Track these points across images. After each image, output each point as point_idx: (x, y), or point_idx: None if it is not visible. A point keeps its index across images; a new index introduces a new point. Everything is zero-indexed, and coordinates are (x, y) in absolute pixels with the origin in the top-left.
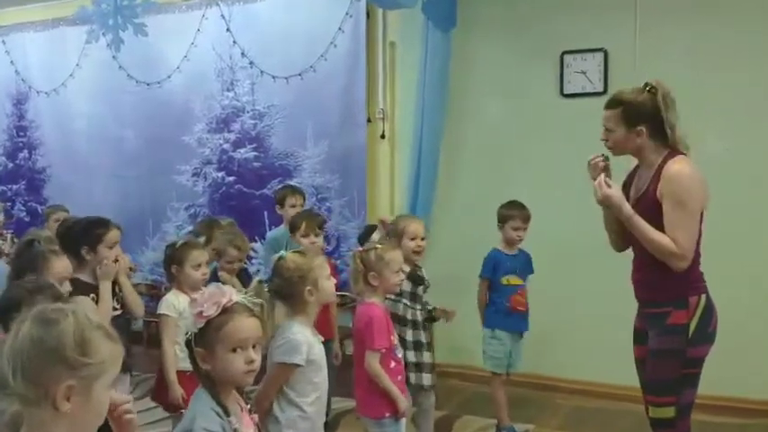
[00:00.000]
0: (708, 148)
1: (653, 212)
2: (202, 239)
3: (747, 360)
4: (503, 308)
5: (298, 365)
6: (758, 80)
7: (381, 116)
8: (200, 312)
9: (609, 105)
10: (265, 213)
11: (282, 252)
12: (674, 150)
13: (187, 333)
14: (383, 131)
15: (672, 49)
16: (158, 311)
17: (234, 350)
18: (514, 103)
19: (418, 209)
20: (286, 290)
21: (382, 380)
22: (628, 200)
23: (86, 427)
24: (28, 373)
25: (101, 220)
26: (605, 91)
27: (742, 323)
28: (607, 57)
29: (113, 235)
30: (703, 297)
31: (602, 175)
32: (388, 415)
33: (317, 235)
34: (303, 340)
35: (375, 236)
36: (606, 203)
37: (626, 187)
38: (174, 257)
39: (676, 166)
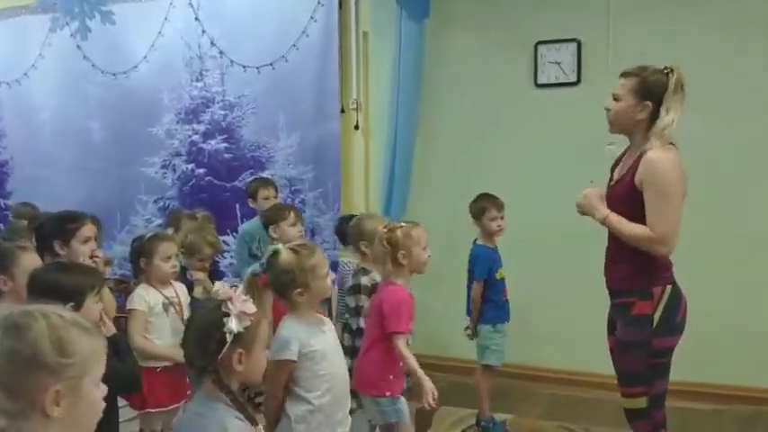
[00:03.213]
0: (682, 138)
1: (627, 197)
2: (170, 230)
3: (720, 346)
4: (501, 302)
5: (291, 361)
6: (732, 71)
7: (355, 107)
8: (243, 312)
9: (626, 74)
10: (237, 206)
11: (278, 246)
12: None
13: (229, 333)
14: (357, 122)
15: (646, 40)
16: (128, 306)
17: (264, 348)
18: (488, 94)
19: (394, 200)
20: (278, 288)
21: (409, 362)
22: (611, 181)
23: (83, 427)
24: (9, 388)
25: (73, 214)
26: (579, 81)
27: (716, 310)
28: (581, 47)
29: (87, 229)
30: (668, 287)
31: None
32: (388, 394)
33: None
34: (292, 336)
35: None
36: (579, 211)
37: (613, 169)
38: (142, 250)
39: (656, 154)
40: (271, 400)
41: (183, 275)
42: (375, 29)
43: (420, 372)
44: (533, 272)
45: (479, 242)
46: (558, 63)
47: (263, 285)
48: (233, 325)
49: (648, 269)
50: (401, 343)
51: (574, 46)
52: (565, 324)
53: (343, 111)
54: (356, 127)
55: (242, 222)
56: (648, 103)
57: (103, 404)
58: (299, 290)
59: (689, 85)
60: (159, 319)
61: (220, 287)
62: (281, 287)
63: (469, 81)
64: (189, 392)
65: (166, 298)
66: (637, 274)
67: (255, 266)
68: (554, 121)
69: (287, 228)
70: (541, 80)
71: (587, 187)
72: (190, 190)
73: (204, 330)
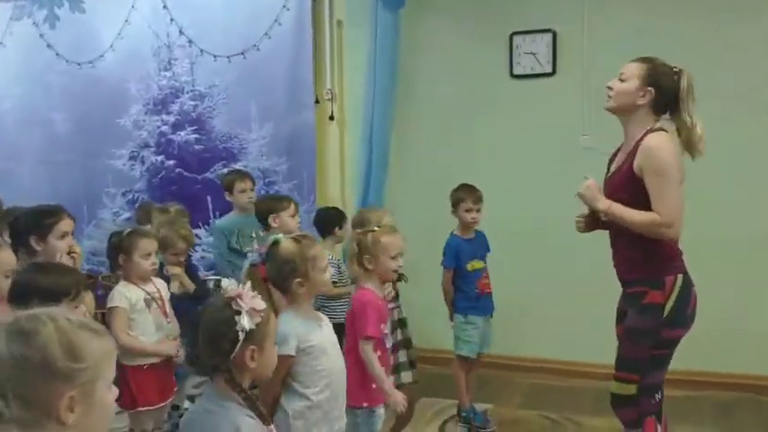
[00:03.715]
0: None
1: (626, 185)
2: (148, 227)
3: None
4: (472, 294)
5: (290, 356)
6: (705, 61)
7: (329, 97)
8: (254, 309)
9: (637, 60)
10: (209, 198)
11: (279, 236)
12: (656, 128)
13: (241, 331)
14: (332, 113)
15: (620, 31)
16: (109, 304)
17: (274, 342)
18: (465, 84)
19: (370, 191)
20: (277, 278)
21: (373, 368)
22: (608, 173)
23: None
24: (21, 396)
25: (50, 209)
26: (554, 72)
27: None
28: (556, 38)
29: (65, 224)
30: (680, 277)
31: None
32: (365, 405)
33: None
34: (291, 331)
35: None
36: (583, 201)
37: (610, 163)
38: (121, 246)
39: (654, 140)
40: (267, 396)
41: (159, 271)
42: (350, 18)
43: (387, 384)
44: (510, 262)
45: (455, 232)
46: (534, 54)
47: (263, 278)
48: (245, 323)
49: (659, 256)
50: (368, 348)
51: (549, 37)
52: (543, 313)
53: (317, 101)
54: (331, 117)
55: (214, 215)
56: (651, 89)
57: (116, 407)
58: (299, 280)
59: None
60: (142, 315)
61: (228, 283)
62: (281, 278)
63: (445, 71)
64: (176, 389)
65: (148, 293)
66: (647, 262)
67: (254, 258)
68: (530, 112)
69: (287, 218)
70: (517, 71)
71: (584, 180)
72: (159, 182)
73: (215, 329)
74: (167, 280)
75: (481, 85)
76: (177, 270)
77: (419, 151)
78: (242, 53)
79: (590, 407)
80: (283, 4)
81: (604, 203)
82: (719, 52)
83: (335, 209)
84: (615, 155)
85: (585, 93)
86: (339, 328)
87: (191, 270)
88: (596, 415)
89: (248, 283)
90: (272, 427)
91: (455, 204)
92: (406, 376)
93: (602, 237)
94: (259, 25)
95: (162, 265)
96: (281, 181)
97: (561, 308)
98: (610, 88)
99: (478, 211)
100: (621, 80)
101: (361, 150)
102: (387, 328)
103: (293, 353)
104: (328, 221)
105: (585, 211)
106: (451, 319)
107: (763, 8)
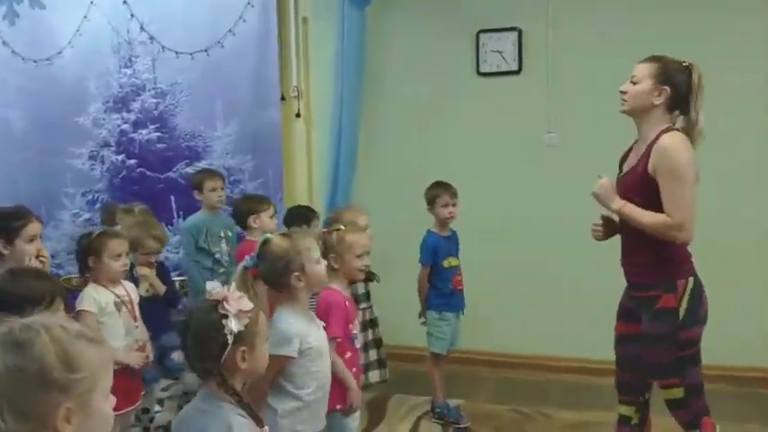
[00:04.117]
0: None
1: (639, 186)
2: (117, 227)
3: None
4: (447, 290)
5: (290, 357)
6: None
7: (296, 94)
8: (241, 310)
9: (646, 60)
10: (172, 198)
11: (268, 235)
12: (671, 127)
13: (230, 334)
14: (298, 110)
15: (584, 30)
16: (78, 307)
17: (265, 340)
18: (432, 82)
19: (338, 189)
20: (272, 276)
21: (338, 369)
22: (621, 173)
23: None
24: (17, 409)
25: (16, 211)
26: (520, 70)
27: None
28: (522, 36)
29: (33, 227)
30: (691, 279)
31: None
32: (338, 407)
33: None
34: (294, 331)
35: None
36: (597, 200)
37: (622, 162)
38: (90, 248)
39: (668, 140)
40: (254, 392)
41: (129, 272)
42: (315, 14)
43: (351, 381)
44: (479, 258)
45: (432, 230)
46: (500, 52)
47: (255, 277)
48: (233, 325)
49: (671, 260)
50: (331, 347)
51: (515, 35)
52: (511, 309)
53: (283, 98)
54: (297, 115)
55: (178, 215)
56: (666, 88)
57: (113, 416)
58: (297, 273)
59: (626, 75)
60: (112, 318)
61: (213, 287)
62: (277, 276)
63: (413, 69)
64: (143, 393)
65: (117, 297)
66: (659, 266)
67: (246, 260)
68: (496, 110)
69: (267, 219)
70: (484, 69)
71: (598, 179)
72: (121, 182)
73: (204, 334)
74: (137, 282)
75: (448, 83)
76: (147, 271)
77: (386, 149)
78: (205, 50)
79: (559, 400)
80: (248, 1)
81: (618, 203)
82: (682, 52)
83: (306, 207)
84: (627, 154)
85: (550, 91)
86: None
87: (162, 272)
88: (565, 408)
89: (233, 285)
90: (266, 428)
91: (431, 201)
92: (374, 375)
93: (569, 233)
94: (223, 22)
95: (132, 266)
96: (247, 180)
97: (528, 303)
98: (623, 92)
99: (455, 205)
100: (634, 82)
101: (330, 148)
102: (356, 328)
103: (296, 354)
104: (295, 220)
105: (599, 217)
106: (421, 315)
107: (723, 7)
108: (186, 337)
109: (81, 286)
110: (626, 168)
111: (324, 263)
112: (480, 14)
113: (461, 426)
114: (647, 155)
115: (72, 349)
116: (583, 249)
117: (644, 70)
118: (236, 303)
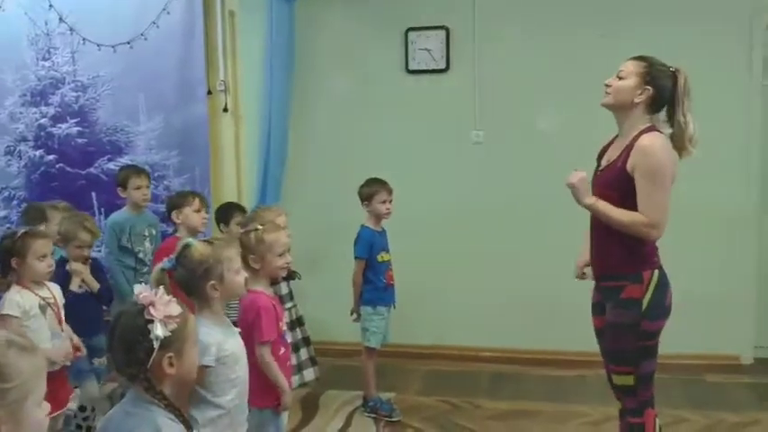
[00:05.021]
0: (541, 123)
1: (616, 182)
2: (42, 227)
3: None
4: (381, 285)
5: (208, 366)
6: (593, 56)
7: (223, 88)
8: (169, 315)
9: (635, 58)
10: (93, 195)
11: (190, 240)
12: (653, 127)
13: (156, 340)
14: (226, 104)
15: (509, 28)
16: (0, 311)
17: (195, 344)
18: (361, 78)
19: (268, 186)
20: (188, 282)
21: (272, 372)
22: (599, 167)
23: None
24: None
25: None
26: (447, 68)
27: None
28: (449, 34)
29: None
30: (656, 272)
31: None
32: (271, 405)
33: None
34: (211, 341)
35: None
36: (572, 192)
37: (600, 157)
38: (13, 249)
39: (649, 140)
40: (182, 403)
41: (62, 266)
42: (243, 8)
43: (284, 383)
44: (406, 252)
45: (367, 224)
46: (428, 50)
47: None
48: (159, 332)
49: (639, 253)
50: (266, 351)
51: (443, 33)
52: (438, 302)
53: (210, 93)
54: (225, 110)
55: (99, 212)
56: (649, 88)
57: (47, 423)
58: (213, 282)
59: (550, 71)
60: (37, 321)
61: (141, 289)
62: (193, 282)
63: (342, 65)
64: (72, 396)
65: (42, 299)
66: (628, 258)
67: (165, 262)
68: (425, 107)
69: (190, 213)
70: (412, 66)
71: (574, 171)
72: (39, 178)
73: (129, 338)
74: (69, 276)
75: (378, 80)
76: (80, 267)
77: (316, 145)
78: (128, 42)
79: (487, 390)
80: None
81: (590, 199)
82: (606, 54)
83: (232, 204)
84: (605, 150)
85: (477, 89)
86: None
87: (97, 270)
88: (494, 397)
89: (161, 288)
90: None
91: (369, 197)
92: (309, 374)
93: (494, 227)
94: (146, 14)
95: (65, 261)
96: (172, 175)
97: (455, 296)
98: (607, 85)
99: (391, 202)
100: (620, 77)
101: (260, 143)
102: (284, 325)
103: (213, 363)
104: (222, 217)
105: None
106: (353, 312)
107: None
108: (113, 340)
109: (2, 289)
110: (604, 163)
111: (244, 274)
112: (409, 13)
113: (394, 419)
114: (627, 152)
115: (2, 359)
116: (506, 242)
117: (631, 67)
118: (164, 308)
